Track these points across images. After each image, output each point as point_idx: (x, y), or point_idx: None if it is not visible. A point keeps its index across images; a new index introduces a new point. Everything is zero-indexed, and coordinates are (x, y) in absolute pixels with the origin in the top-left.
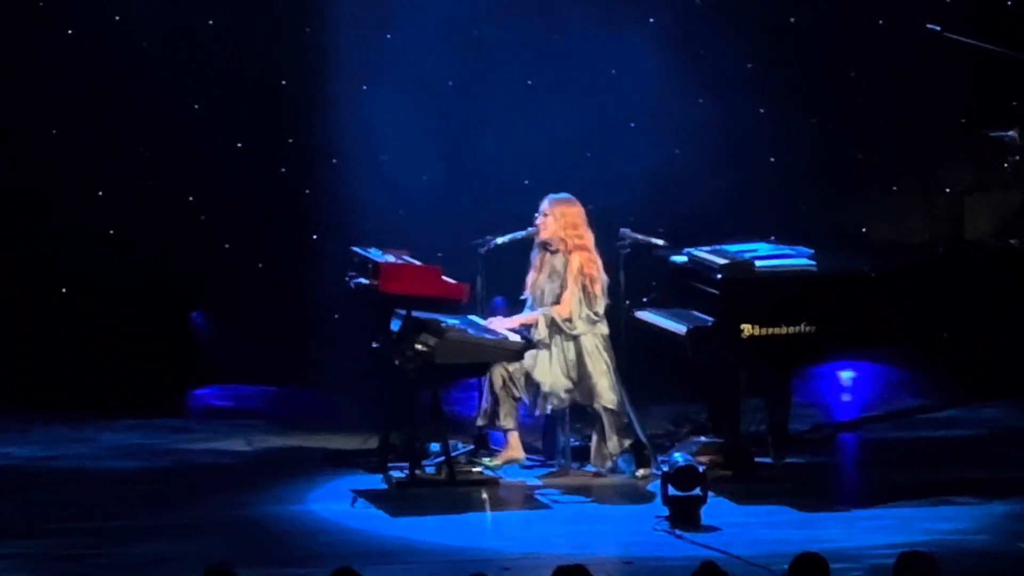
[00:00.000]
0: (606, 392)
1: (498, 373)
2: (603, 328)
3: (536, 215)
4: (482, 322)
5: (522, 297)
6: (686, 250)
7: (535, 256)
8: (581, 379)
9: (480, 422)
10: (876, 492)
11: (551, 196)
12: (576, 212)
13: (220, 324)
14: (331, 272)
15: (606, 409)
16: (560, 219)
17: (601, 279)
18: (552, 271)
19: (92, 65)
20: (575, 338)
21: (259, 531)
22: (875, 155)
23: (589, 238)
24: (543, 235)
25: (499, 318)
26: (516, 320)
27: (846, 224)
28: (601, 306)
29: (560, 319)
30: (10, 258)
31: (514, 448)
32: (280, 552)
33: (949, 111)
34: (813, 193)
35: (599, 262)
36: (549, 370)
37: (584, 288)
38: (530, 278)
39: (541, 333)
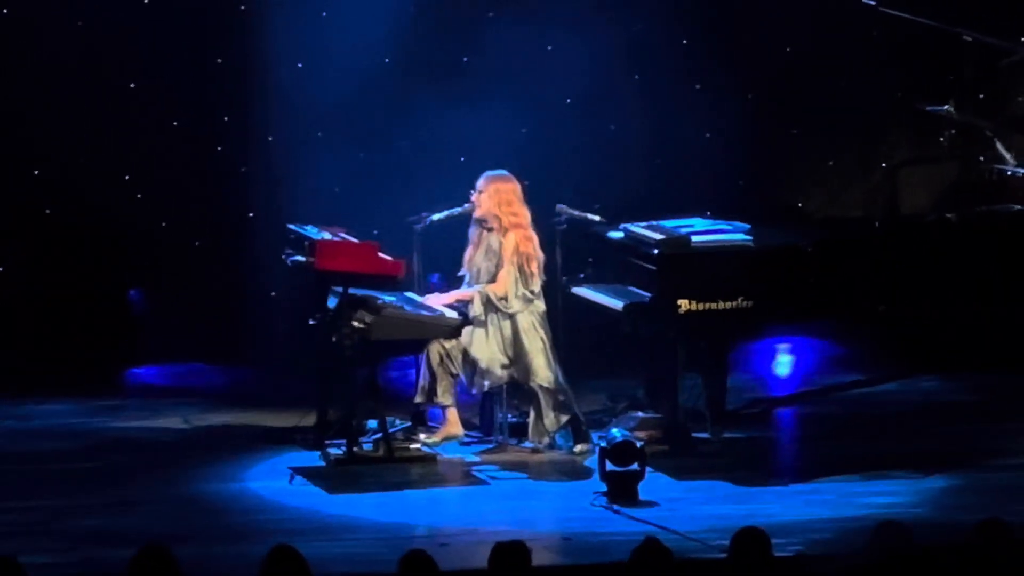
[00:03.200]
0: (542, 370)
1: (435, 350)
2: (539, 305)
3: (472, 191)
4: (419, 299)
5: (459, 274)
6: (622, 226)
7: (472, 232)
8: (517, 357)
9: (418, 399)
10: (814, 466)
11: (487, 173)
12: (511, 189)
13: (157, 302)
14: (267, 250)
15: (542, 387)
16: (495, 196)
17: (537, 257)
18: (488, 248)
19: (26, 44)
20: (511, 316)
21: (196, 508)
22: (811, 130)
23: (525, 215)
24: (478, 212)
25: (435, 294)
26: (452, 296)
27: (782, 199)
28: (537, 284)
29: (495, 297)
30: None
31: (452, 424)
32: (218, 529)
33: (885, 85)
34: (749, 168)
35: (535, 240)
36: (486, 347)
37: (520, 267)
38: (467, 254)
39: (476, 310)
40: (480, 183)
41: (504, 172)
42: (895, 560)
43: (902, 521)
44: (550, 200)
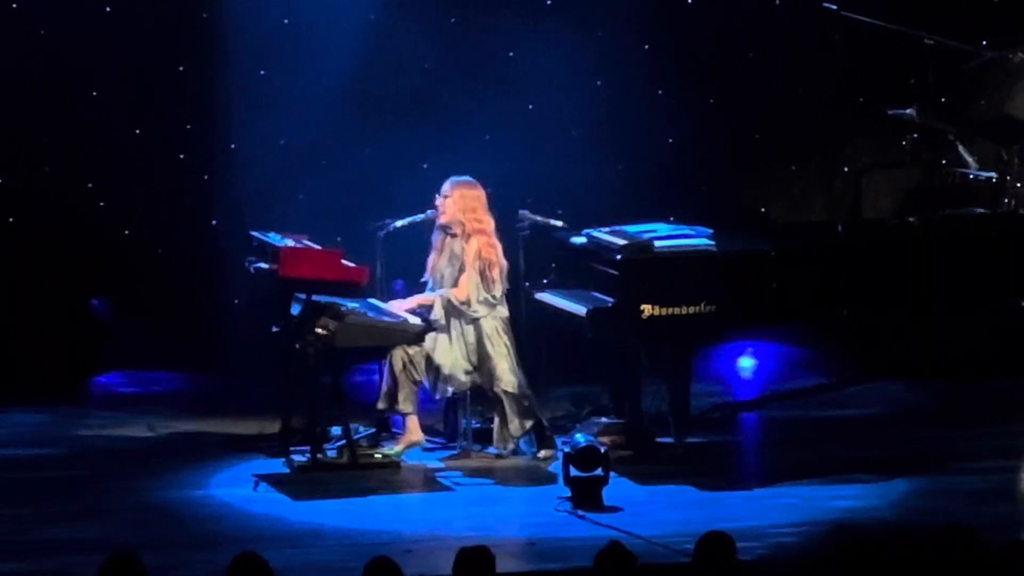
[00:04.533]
0: (506, 375)
1: (398, 356)
2: (503, 311)
3: (437, 196)
4: (382, 305)
5: (423, 279)
6: (585, 231)
7: (436, 238)
8: (481, 362)
9: (380, 405)
10: (778, 471)
11: (452, 179)
12: (476, 195)
13: (121, 310)
14: (231, 257)
15: (506, 392)
16: (459, 202)
17: (500, 264)
18: (452, 254)
19: None
20: (475, 321)
21: (162, 516)
22: (773, 135)
23: (489, 222)
24: (443, 218)
25: (397, 300)
26: (413, 301)
27: (745, 204)
28: (499, 290)
29: (457, 302)
30: None
31: (413, 432)
32: (183, 537)
33: (847, 90)
34: (712, 173)
35: (498, 247)
36: (449, 353)
37: (482, 273)
38: (431, 260)
39: (437, 314)
40: (445, 188)
41: (470, 178)
42: (848, 560)
43: (857, 521)
44: (513, 206)
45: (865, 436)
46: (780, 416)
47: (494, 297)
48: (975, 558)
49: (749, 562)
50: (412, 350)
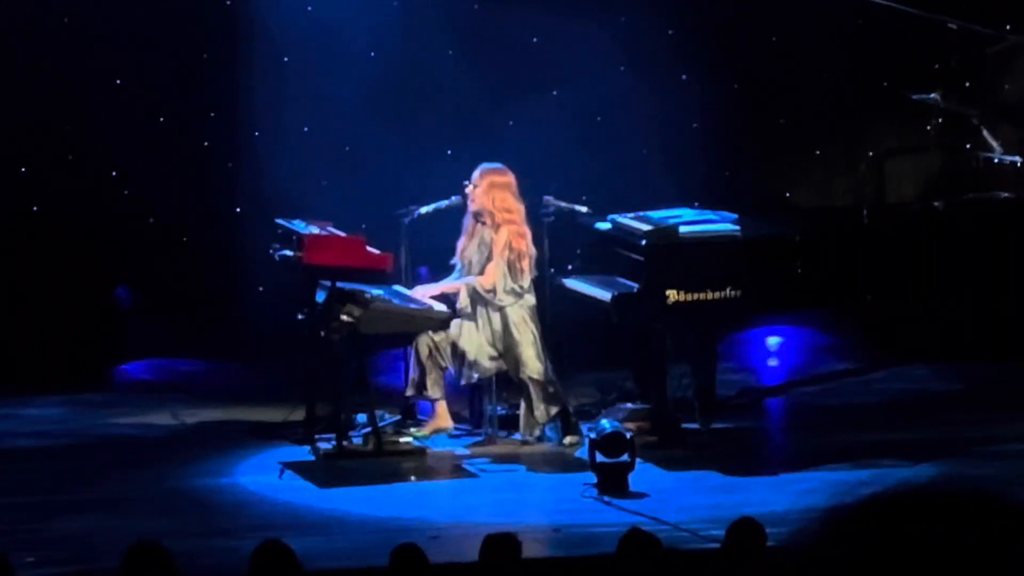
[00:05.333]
0: (532, 362)
1: (424, 343)
2: (530, 300)
3: (466, 183)
4: (407, 292)
5: (452, 262)
6: (610, 217)
7: (467, 223)
8: (507, 349)
9: (409, 392)
10: (804, 456)
11: (483, 165)
12: (506, 183)
13: (145, 298)
14: (255, 245)
15: (531, 379)
16: (489, 191)
17: (529, 253)
18: (481, 241)
19: (12, 40)
20: (501, 309)
21: (187, 504)
22: (798, 120)
23: (518, 210)
24: (472, 206)
25: (422, 286)
26: (438, 288)
27: (770, 189)
28: (527, 280)
29: (483, 290)
30: None
31: (441, 417)
32: (208, 525)
33: (871, 74)
34: (736, 159)
35: (528, 236)
36: (474, 339)
37: (510, 264)
38: (460, 243)
39: (463, 302)
40: (475, 176)
41: (499, 165)
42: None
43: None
44: (537, 192)
45: (891, 421)
46: (805, 401)
47: (521, 287)
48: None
49: (778, 548)
50: (438, 336)
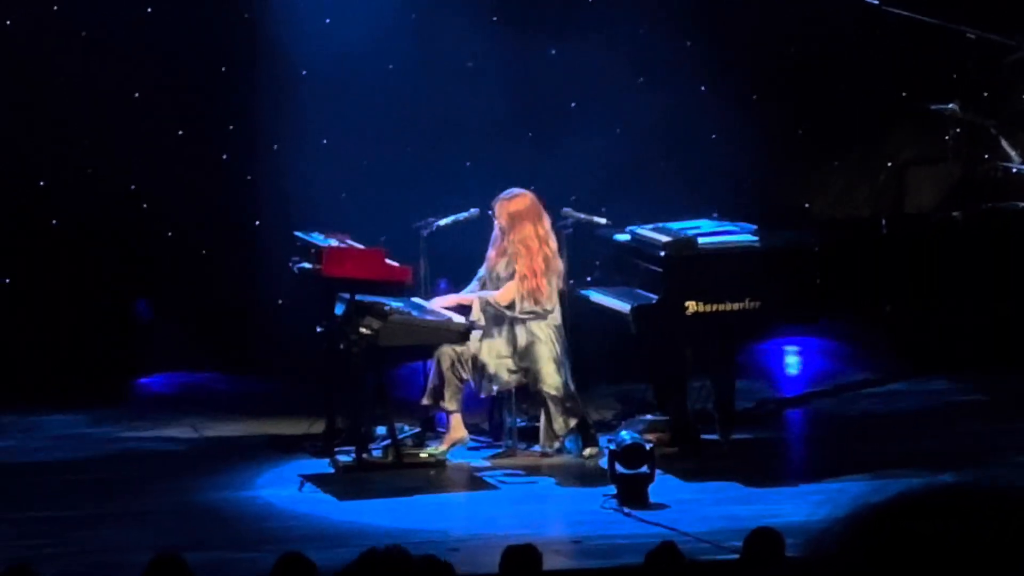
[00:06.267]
0: (550, 377)
1: (447, 354)
2: (555, 318)
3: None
4: (426, 304)
5: (479, 273)
6: (629, 228)
7: (495, 236)
8: (527, 363)
9: (425, 401)
10: (824, 466)
11: (499, 197)
12: (520, 211)
13: (164, 311)
14: (274, 257)
15: (549, 394)
16: (509, 222)
17: (554, 270)
18: (509, 262)
19: (30, 55)
20: (525, 323)
21: (207, 517)
22: (816, 130)
23: (537, 236)
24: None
25: (438, 297)
26: (452, 299)
27: (788, 199)
28: (551, 303)
29: (498, 306)
30: None
31: (456, 429)
32: (229, 537)
33: (889, 85)
34: (755, 169)
35: (550, 257)
36: (494, 352)
37: (530, 291)
38: (490, 255)
39: (476, 315)
40: (496, 209)
41: (514, 192)
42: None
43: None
44: (556, 204)
45: (910, 430)
46: (825, 411)
47: (544, 309)
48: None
49: (798, 558)
50: (460, 348)
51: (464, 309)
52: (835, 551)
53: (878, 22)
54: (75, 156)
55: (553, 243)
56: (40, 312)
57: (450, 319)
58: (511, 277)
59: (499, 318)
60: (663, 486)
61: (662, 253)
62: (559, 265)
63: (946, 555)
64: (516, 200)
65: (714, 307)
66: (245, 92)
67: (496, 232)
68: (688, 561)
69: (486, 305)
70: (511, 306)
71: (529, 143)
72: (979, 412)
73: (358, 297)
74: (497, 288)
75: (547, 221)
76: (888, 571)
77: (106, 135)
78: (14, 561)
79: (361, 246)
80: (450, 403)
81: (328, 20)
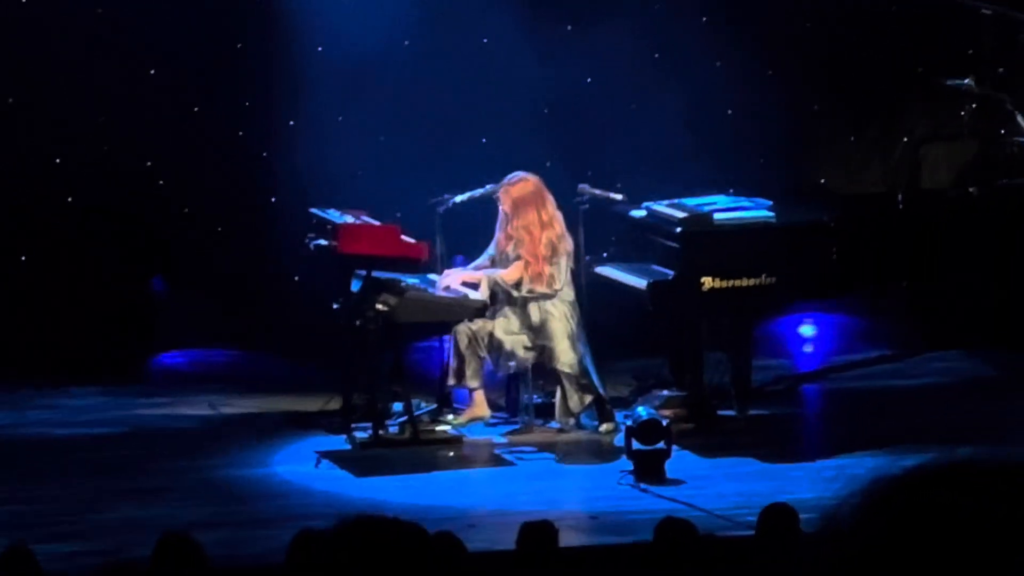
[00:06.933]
0: (564, 354)
1: (464, 333)
2: (568, 294)
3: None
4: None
5: (490, 250)
6: (644, 204)
7: (502, 218)
8: (542, 341)
9: (450, 381)
10: (840, 442)
11: (503, 182)
12: (524, 196)
13: (180, 288)
14: (290, 234)
15: (564, 372)
16: (512, 209)
17: (560, 252)
18: (518, 241)
19: (47, 32)
20: (538, 302)
21: (224, 494)
22: (831, 106)
23: (543, 216)
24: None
25: (446, 271)
26: (461, 276)
27: (804, 175)
28: (560, 282)
29: (505, 284)
30: None
31: (479, 406)
32: (246, 514)
33: (905, 60)
34: (771, 145)
35: (556, 238)
36: (510, 330)
37: (536, 274)
38: (499, 236)
39: (483, 294)
40: (500, 194)
41: (517, 176)
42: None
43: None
44: (572, 180)
45: (926, 406)
46: (841, 387)
47: (553, 290)
48: None
49: (812, 534)
50: (475, 326)
51: (471, 287)
52: (850, 526)
53: None
54: (90, 133)
55: (559, 225)
56: (56, 289)
57: (466, 295)
58: (519, 257)
59: (503, 296)
60: (680, 462)
61: (678, 229)
62: (567, 245)
63: (962, 528)
64: (519, 185)
65: (730, 283)
66: (260, 68)
67: (501, 216)
68: (700, 534)
69: (495, 284)
70: (518, 285)
71: (545, 118)
72: (995, 387)
73: (374, 274)
74: (507, 266)
75: (551, 204)
76: (904, 545)
77: (122, 112)
78: (24, 541)
79: (377, 223)
80: (472, 380)
81: None
